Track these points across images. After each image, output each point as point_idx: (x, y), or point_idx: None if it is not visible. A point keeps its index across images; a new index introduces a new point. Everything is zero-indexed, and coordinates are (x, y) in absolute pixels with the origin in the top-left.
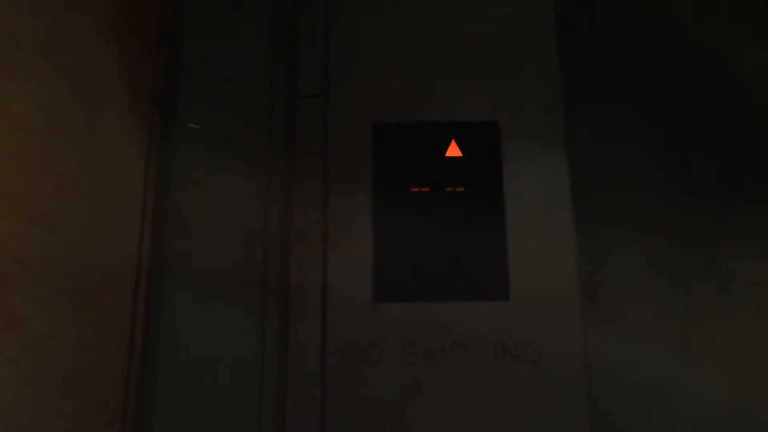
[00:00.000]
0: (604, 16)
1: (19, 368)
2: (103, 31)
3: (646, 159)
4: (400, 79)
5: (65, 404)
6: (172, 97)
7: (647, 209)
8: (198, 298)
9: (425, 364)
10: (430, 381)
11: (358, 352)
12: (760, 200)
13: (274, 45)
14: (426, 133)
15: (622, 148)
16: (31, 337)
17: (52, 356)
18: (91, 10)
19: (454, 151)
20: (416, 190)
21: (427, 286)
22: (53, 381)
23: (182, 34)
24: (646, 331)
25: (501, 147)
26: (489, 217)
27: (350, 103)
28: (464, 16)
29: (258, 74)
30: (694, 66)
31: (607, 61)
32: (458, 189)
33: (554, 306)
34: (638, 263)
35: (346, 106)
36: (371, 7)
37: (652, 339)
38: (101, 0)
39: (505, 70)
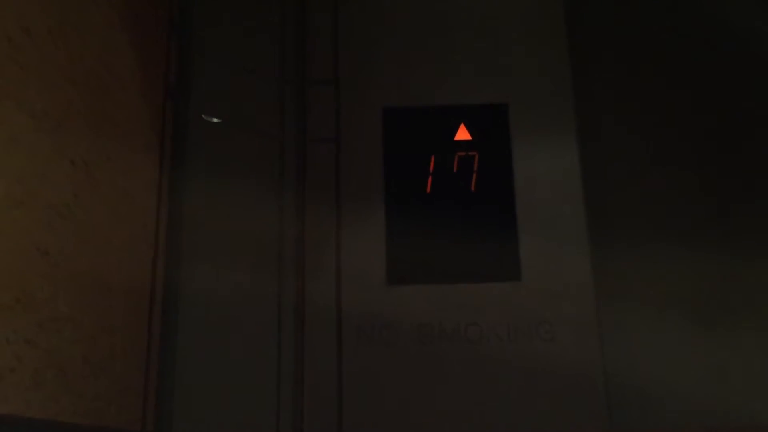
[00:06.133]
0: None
1: (39, 349)
2: (113, 20)
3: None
4: (409, 65)
5: (87, 385)
6: (184, 84)
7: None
8: (214, 278)
9: (440, 344)
10: (445, 361)
11: (373, 334)
12: None
13: (285, 32)
14: (436, 117)
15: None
16: (52, 319)
17: (73, 338)
18: (99, 0)
19: (463, 134)
20: (427, 173)
21: (440, 268)
22: (75, 362)
23: (193, 22)
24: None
25: (510, 129)
26: (499, 199)
27: (361, 88)
28: (473, 0)
29: (268, 61)
30: (708, 54)
31: (615, 48)
32: (469, 172)
33: (566, 285)
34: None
35: (357, 92)
36: None
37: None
38: None
39: (514, 54)
